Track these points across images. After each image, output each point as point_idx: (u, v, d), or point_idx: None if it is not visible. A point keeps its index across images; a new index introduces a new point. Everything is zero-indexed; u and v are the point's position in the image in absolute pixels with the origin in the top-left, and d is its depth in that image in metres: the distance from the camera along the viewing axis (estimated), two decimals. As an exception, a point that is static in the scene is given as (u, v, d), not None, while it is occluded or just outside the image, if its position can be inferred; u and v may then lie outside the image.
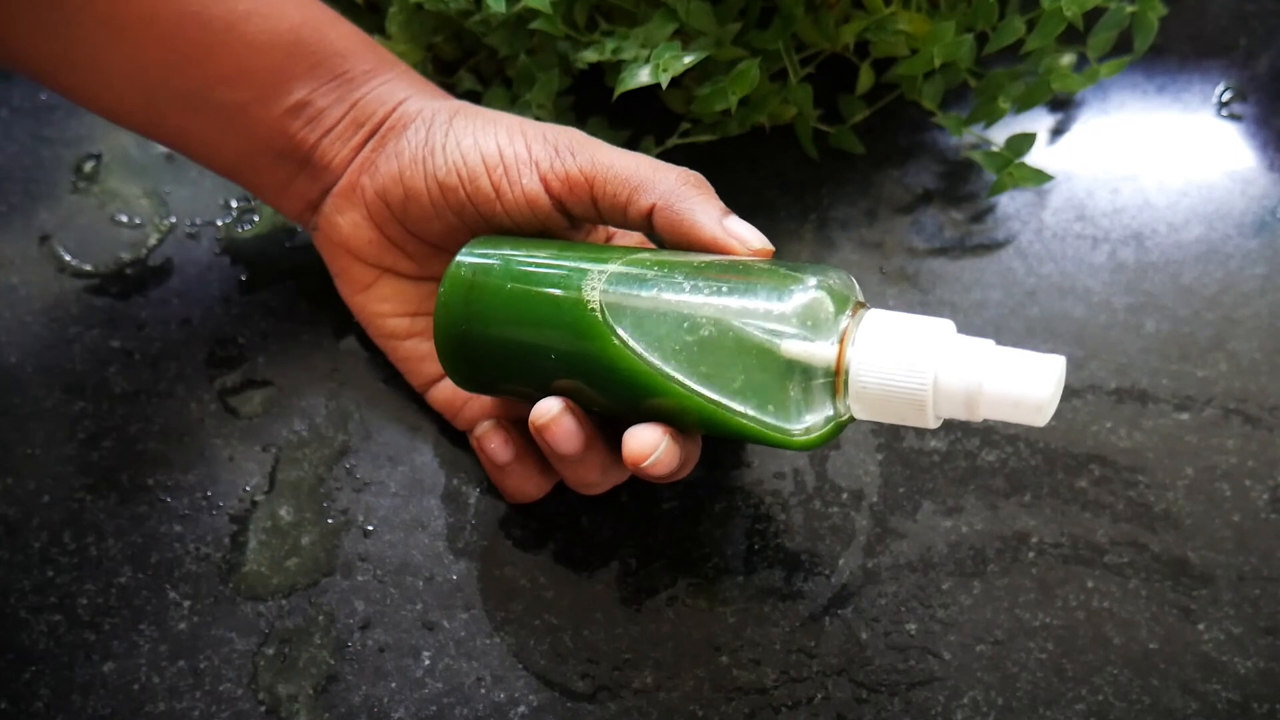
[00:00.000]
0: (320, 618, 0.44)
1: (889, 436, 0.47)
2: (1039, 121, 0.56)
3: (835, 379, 0.36)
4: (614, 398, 0.39)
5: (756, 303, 0.37)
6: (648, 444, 0.39)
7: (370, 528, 0.46)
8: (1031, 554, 0.44)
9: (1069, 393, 0.47)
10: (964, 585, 0.44)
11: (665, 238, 0.41)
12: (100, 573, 0.45)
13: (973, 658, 0.42)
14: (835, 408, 0.37)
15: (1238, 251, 0.51)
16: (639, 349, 0.38)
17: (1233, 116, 0.56)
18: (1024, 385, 0.35)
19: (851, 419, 0.38)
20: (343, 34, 0.46)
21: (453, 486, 0.47)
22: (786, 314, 0.36)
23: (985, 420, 0.36)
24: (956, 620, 0.43)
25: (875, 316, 0.37)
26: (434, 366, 0.46)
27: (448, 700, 0.42)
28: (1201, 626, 0.42)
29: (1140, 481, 0.46)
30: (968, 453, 0.46)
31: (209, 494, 0.46)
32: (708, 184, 0.42)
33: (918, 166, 0.55)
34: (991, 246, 0.52)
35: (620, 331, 0.38)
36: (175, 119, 0.46)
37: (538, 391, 0.41)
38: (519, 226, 0.43)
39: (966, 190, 0.54)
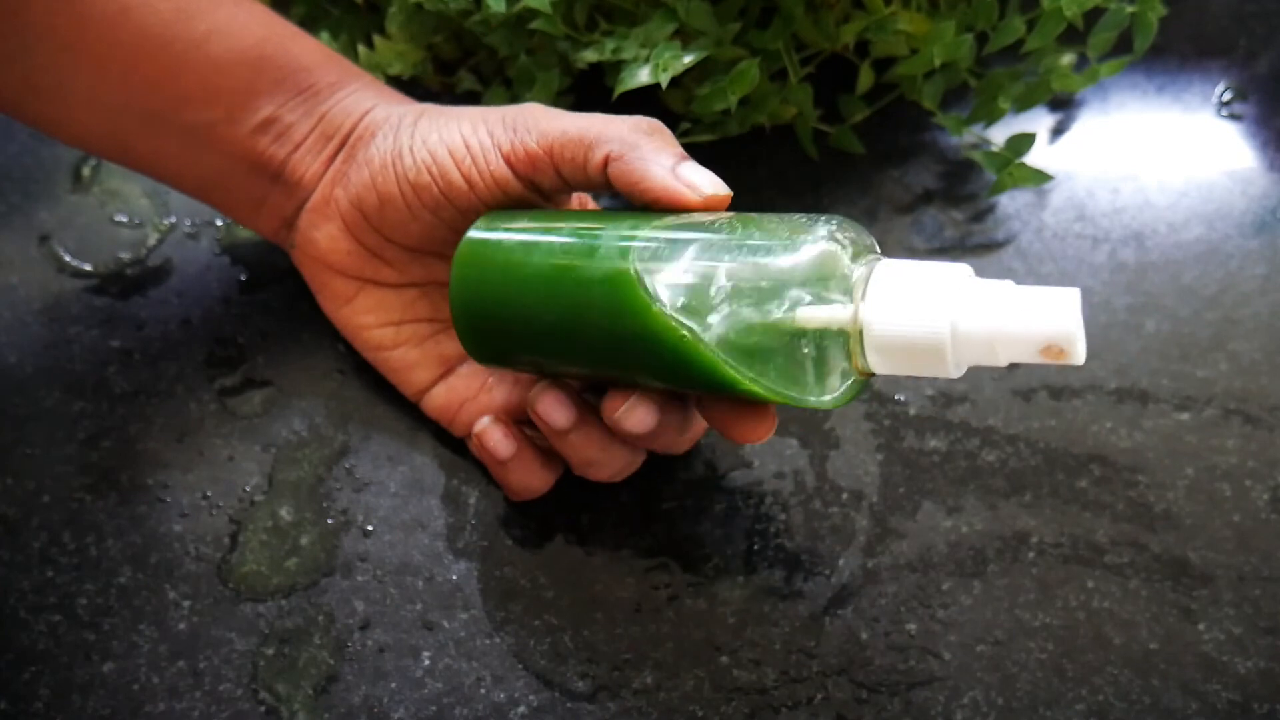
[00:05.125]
0: (320, 618, 0.44)
1: (889, 437, 0.47)
2: (1039, 121, 0.56)
3: (850, 335, 0.35)
4: (631, 363, 0.39)
5: (766, 261, 0.36)
6: (620, 400, 0.40)
7: (370, 528, 0.46)
8: (1031, 554, 0.44)
9: (1069, 393, 0.47)
10: (964, 585, 0.44)
11: (621, 190, 0.40)
12: (100, 573, 0.45)
13: (973, 658, 0.42)
14: (854, 364, 0.36)
15: (1238, 251, 0.51)
16: (662, 309, 0.37)
17: (1233, 116, 0.56)
18: (1040, 323, 0.34)
19: (871, 374, 0.37)
20: (306, 48, 0.46)
21: (453, 486, 0.47)
22: (797, 272, 0.35)
23: (1012, 365, 0.36)
24: (956, 620, 0.43)
25: (887, 267, 0.36)
26: (424, 374, 0.46)
27: (448, 700, 0.42)
28: (1202, 626, 0.42)
29: (1140, 481, 0.46)
30: (968, 453, 0.47)
31: (209, 494, 0.47)
32: (663, 129, 0.41)
33: (918, 166, 0.55)
34: (991, 246, 0.52)
35: (640, 291, 0.37)
36: (143, 142, 0.46)
37: (555, 361, 0.41)
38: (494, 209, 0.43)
39: (966, 190, 0.54)
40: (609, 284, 0.38)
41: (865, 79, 0.54)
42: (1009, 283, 0.35)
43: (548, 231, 0.40)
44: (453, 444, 0.47)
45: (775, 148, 0.55)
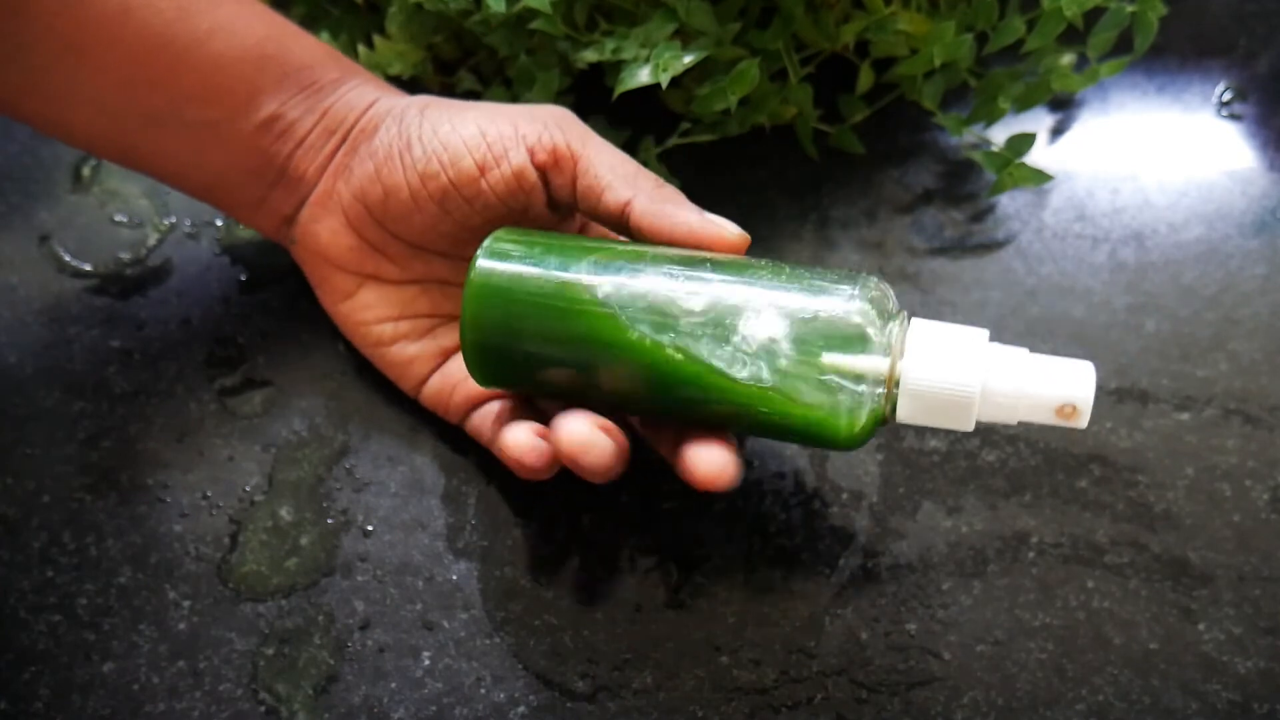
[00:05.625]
0: (320, 618, 0.44)
1: (889, 437, 0.47)
2: (1039, 121, 0.56)
3: (886, 386, 0.38)
4: (658, 402, 0.40)
5: (805, 314, 0.38)
6: (721, 466, 0.40)
7: (370, 528, 0.46)
8: (1031, 554, 0.44)
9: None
10: (964, 585, 0.44)
11: (643, 229, 0.42)
12: (100, 573, 0.45)
13: (973, 658, 0.42)
14: (880, 409, 0.39)
15: (1238, 251, 0.51)
16: (688, 351, 0.39)
17: (1233, 116, 0.56)
18: (1060, 388, 0.38)
19: (886, 421, 0.39)
20: (306, 46, 0.46)
21: (453, 486, 0.47)
22: (833, 325, 0.38)
23: (1021, 424, 0.39)
24: (956, 620, 0.43)
25: (920, 327, 0.39)
26: (422, 368, 0.46)
27: (448, 700, 0.42)
28: (1201, 626, 0.42)
29: (1140, 481, 0.46)
30: (968, 453, 0.47)
31: (209, 494, 0.47)
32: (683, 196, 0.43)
33: (918, 166, 0.55)
34: (991, 246, 0.52)
35: (663, 339, 0.39)
36: (145, 142, 0.46)
37: (578, 395, 0.41)
38: (503, 205, 0.43)
39: (966, 190, 0.54)
40: (641, 344, 0.39)
41: (865, 79, 0.54)
42: (1024, 350, 0.38)
43: (566, 267, 0.40)
44: (453, 444, 0.47)
45: (775, 148, 0.55)
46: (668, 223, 0.41)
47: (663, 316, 0.39)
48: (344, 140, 0.46)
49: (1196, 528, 0.44)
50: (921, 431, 0.47)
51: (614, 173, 0.42)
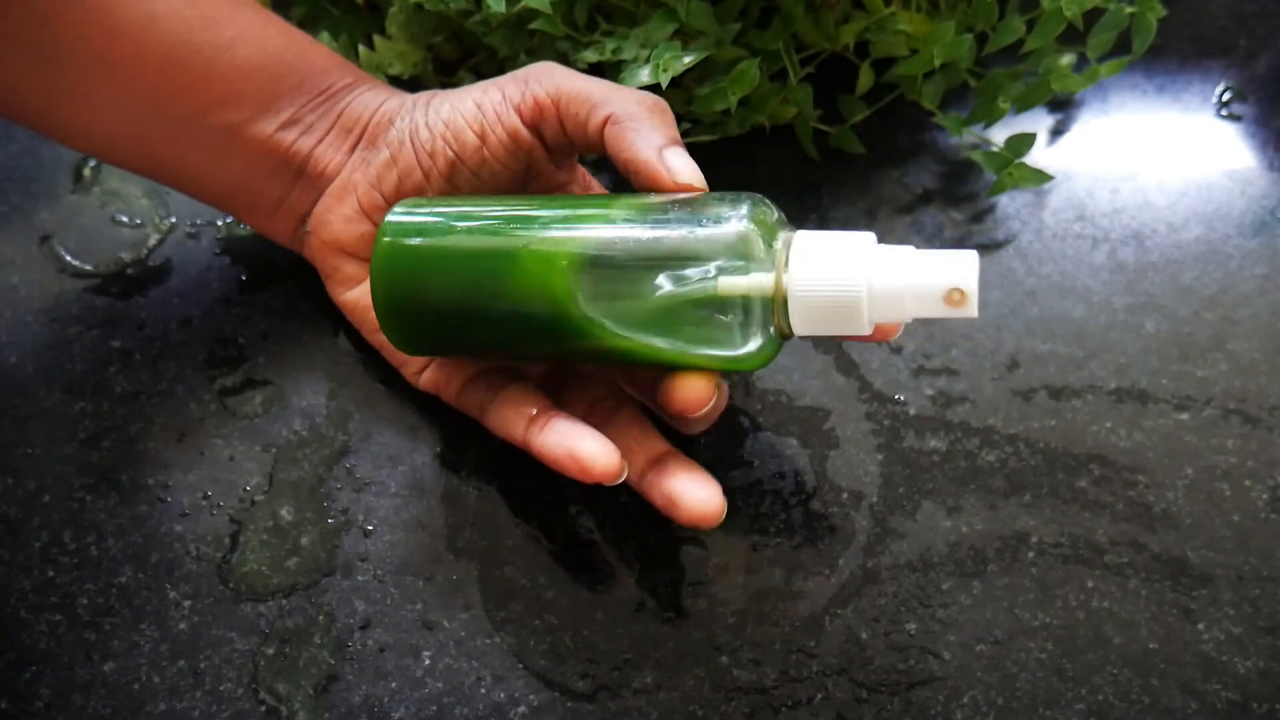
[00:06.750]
0: (320, 618, 0.44)
1: (889, 437, 0.47)
2: (1039, 121, 0.56)
3: (775, 302, 0.38)
4: (563, 349, 0.40)
5: (686, 242, 0.38)
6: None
7: (370, 528, 0.46)
8: (1031, 554, 0.44)
9: (1069, 393, 0.47)
10: (964, 585, 0.44)
11: (610, 154, 0.42)
12: (100, 573, 0.45)
13: (973, 658, 0.42)
14: (775, 326, 0.39)
15: (1238, 251, 0.51)
16: (581, 298, 0.39)
17: (1233, 116, 0.56)
18: (943, 275, 0.38)
19: (789, 335, 0.40)
20: (321, 54, 0.48)
21: (453, 486, 0.47)
22: (719, 250, 0.38)
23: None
24: (956, 620, 0.43)
25: (804, 238, 0.39)
26: None
27: (448, 700, 0.42)
28: (1201, 626, 0.42)
29: (1140, 481, 0.46)
30: (968, 453, 0.47)
31: (209, 494, 0.47)
32: (666, 110, 0.43)
33: (918, 166, 0.55)
34: (991, 246, 0.52)
35: (557, 279, 0.39)
36: (169, 148, 0.47)
37: (482, 346, 0.42)
38: (507, 170, 0.45)
39: (966, 190, 0.54)
40: (526, 272, 0.39)
41: (865, 79, 0.54)
42: (910, 247, 0.38)
43: (467, 215, 0.42)
44: (453, 444, 0.47)
45: (775, 148, 0.55)
46: (624, 154, 0.41)
47: (547, 265, 0.39)
48: (361, 137, 0.47)
49: (1196, 528, 0.44)
50: (921, 431, 0.47)
51: (590, 99, 0.43)
